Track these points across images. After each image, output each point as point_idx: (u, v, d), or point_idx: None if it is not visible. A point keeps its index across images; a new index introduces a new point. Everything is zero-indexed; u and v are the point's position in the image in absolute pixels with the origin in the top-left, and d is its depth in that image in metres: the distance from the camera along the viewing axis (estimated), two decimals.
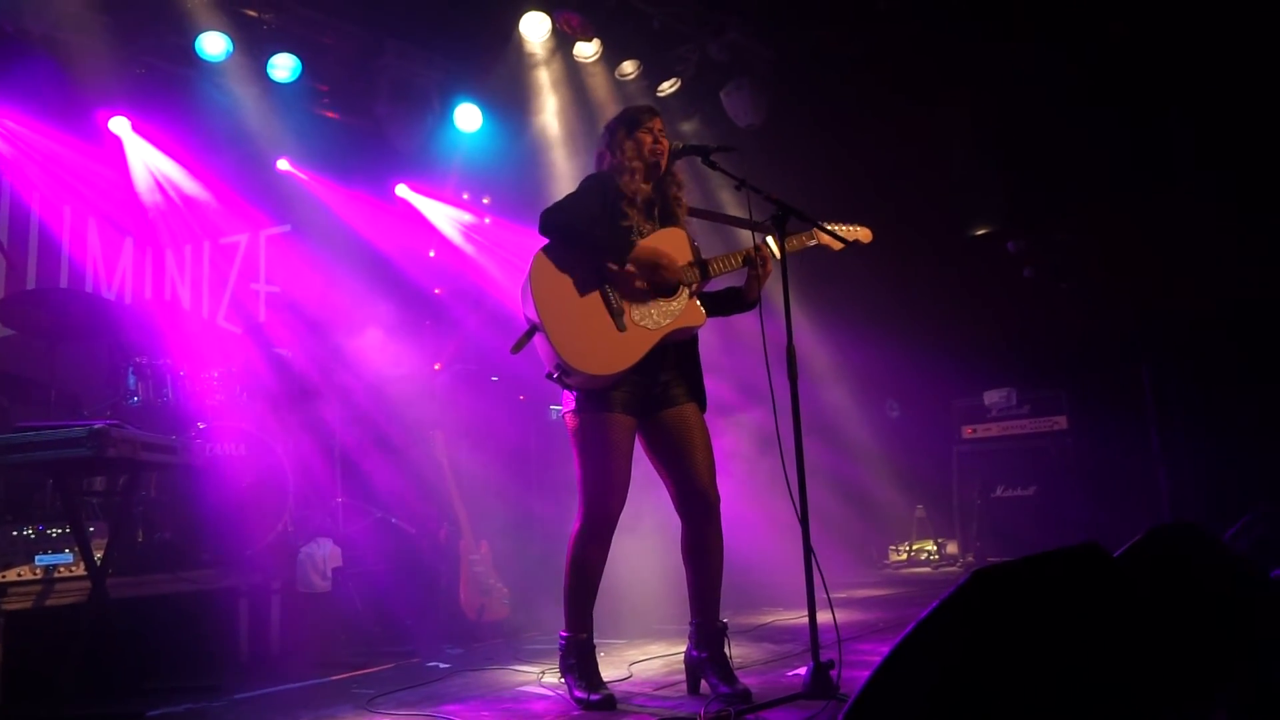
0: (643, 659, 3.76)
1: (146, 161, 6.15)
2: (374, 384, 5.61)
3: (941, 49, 6.71)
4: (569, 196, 3.12)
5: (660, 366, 3.07)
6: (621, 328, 2.98)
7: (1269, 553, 2.53)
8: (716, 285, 3.26)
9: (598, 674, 3.05)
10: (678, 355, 3.14)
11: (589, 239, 3.01)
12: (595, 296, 3.00)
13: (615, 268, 3.01)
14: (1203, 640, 1.63)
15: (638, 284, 3.02)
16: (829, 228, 3.28)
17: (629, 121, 3.20)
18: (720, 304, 3.24)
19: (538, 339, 2.99)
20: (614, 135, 3.20)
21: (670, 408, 3.09)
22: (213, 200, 6.37)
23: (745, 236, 3.20)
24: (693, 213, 3.32)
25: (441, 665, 3.95)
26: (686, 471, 3.06)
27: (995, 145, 7.04)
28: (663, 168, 3.20)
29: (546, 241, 3.05)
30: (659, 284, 3.04)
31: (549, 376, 3.02)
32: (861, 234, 3.39)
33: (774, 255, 3.11)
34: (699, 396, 3.16)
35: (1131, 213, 6.24)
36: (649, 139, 3.16)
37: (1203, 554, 1.82)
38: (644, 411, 3.07)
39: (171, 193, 6.24)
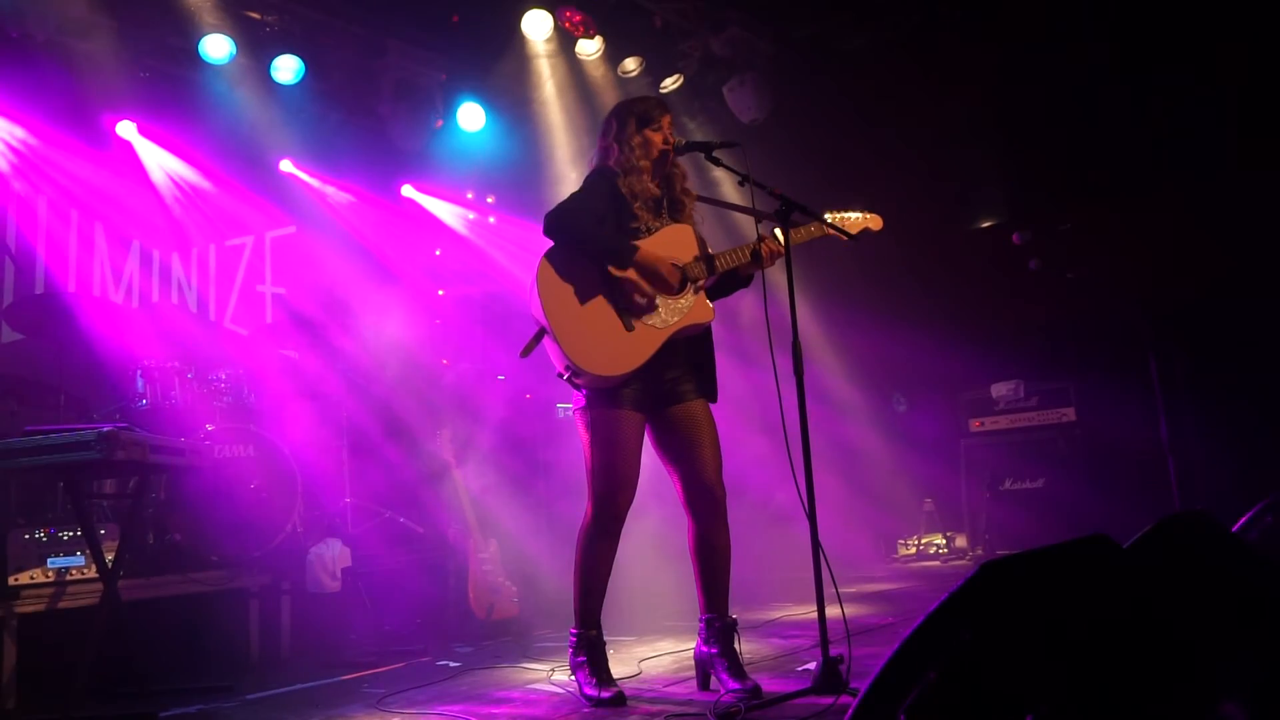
0: (652, 655, 3.77)
1: (152, 164, 6.17)
2: (381, 384, 5.62)
3: (944, 42, 6.69)
4: (574, 196, 3.10)
5: (669, 363, 3.06)
6: (629, 327, 2.98)
7: (1278, 542, 2.51)
8: None
9: (608, 671, 3.06)
10: (688, 350, 3.13)
11: (592, 245, 3.00)
12: (602, 297, 3.00)
13: (618, 274, 3.00)
14: (1214, 631, 1.62)
15: (637, 298, 3.01)
16: (837, 217, 3.27)
17: (640, 116, 3.14)
18: (719, 286, 3.23)
19: (546, 341, 2.99)
20: (623, 129, 3.14)
21: (678, 404, 3.08)
22: (218, 202, 6.39)
23: (751, 229, 3.20)
24: (700, 199, 3.30)
25: (451, 664, 3.96)
26: (694, 467, 3.05)
27: (1000, 137, 7.02)
28: (670, 164, 3.18)
29: (552, 243, 3.05)
30: (659, 290, 3.03)
31: (560, 377, 3.02)
32: (871, 221, 3.37)
33: (780, 248, 3.09)
34: (709, 391, 3.15)
35: (1137, 202, 6.21)
36: (659, 139, 3.13)
37: (1213, 544, 1.81)
38: (653, 407, 3.07)
39: (178, 195, 6.25)
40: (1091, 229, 6.35)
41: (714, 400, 3.17)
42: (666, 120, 3.16)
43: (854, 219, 3.33)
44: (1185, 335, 5.84)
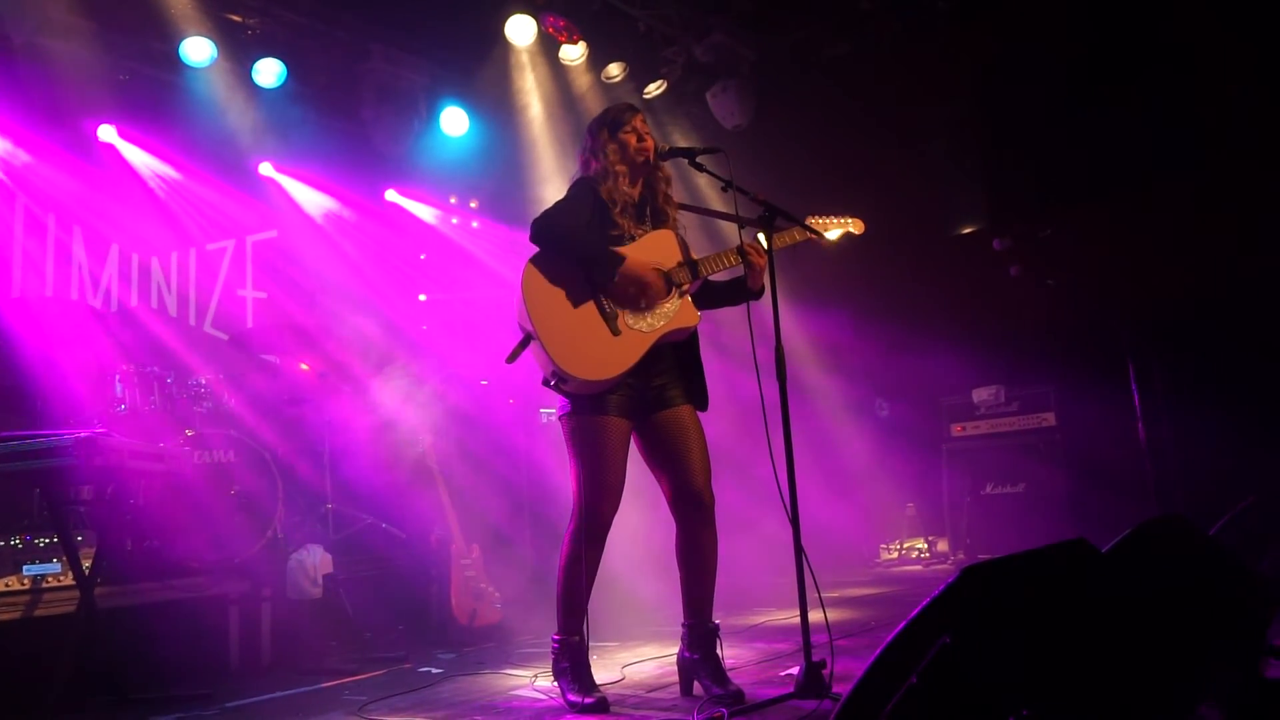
0: (635, 661, 3.76)
1: (133, 167, 6.12)
2: (363, 388, 5.59)
3: (926, 48, 6.74)
4: (558, 203, 3.12)
5: (656, 369, 3.07)
6: (615, 332, 2.98)
7: (1256, 546, 2.54)
8: (720, 278, 3.26)
9: (590, 677, 3.05)
10: (675, 355, 3.13)
11: (578, 252, 3.01)
12: (588, 302, 3.00)
13: (603, 282, 3.00)
14: (1191, 634, 1.64)
15: (630, 290, 3.02)
16: (818, 222, 3.29)
17: (611, 124, 3.17)
18: (727, 294, 3.24)
19: (533, 347, 2.99)
20: (596, 139, 3.18)
21: (665, 409, 3.08)
22: (199, 206, 6.34)
23: (735, 235, 3.21)
24: (682, 207, 3.32)
25: (434, 670, 3.94)
26: (681, 473, 3.05)
27: (981, 143, 7.07)
28: (650, 164, 3.18)
29: (537, 249, 3.05)
30: (644, 301, 3.04)
31: (545, 383, 3.02)
32: (854, 225, 3.40)
33: (764, 254, 3.10)
34: (696, 397, 3.15)
35: (1118, 209, 6.27)
36: (633, 140, 3.15)
37: (1191, 548, 1.83)
38: (639, 414, 3.07)
39: (158, 198, 6.20)
40: (1072, 235, 6.40)
41: (704, 409, 3.17)
42: (637, 120, 3.18)
43: (835, 223, 3.35)
44: (1163, 340, 5.90)
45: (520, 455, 5.82)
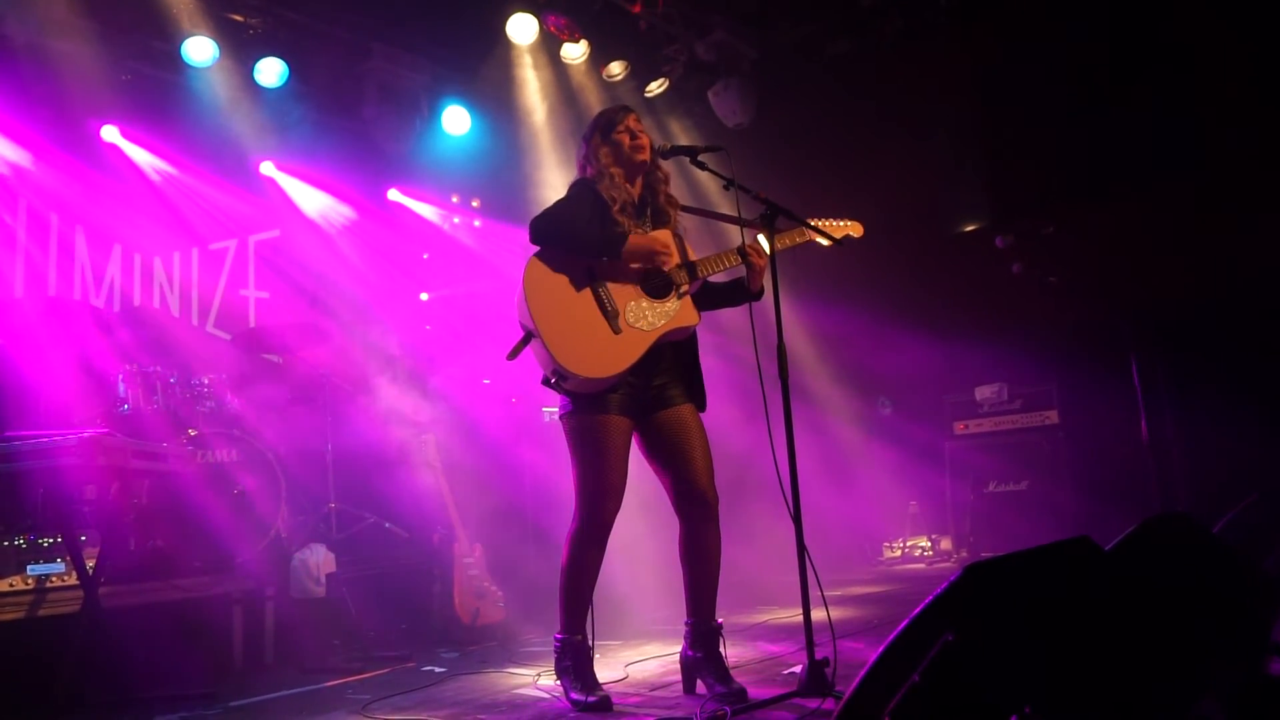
0: (638, 660, 3.76)
1: (136, 167, 6.13)
2: (365, 388, 5.60)
3: (928, 45, 6.74)
4: (558, 202, 3.13)
5: (657, 368, 3.07)
6: (616, 330, 2.98)
7: (1260, 543, 2.54)
8: (720, 279, 3.27)
9: (593, 675, 3.06)
10: (675, 356, 3.14)
11: (583, 237, 3.01)
12: (589, 300, 3.01)
13: (612, 258, 3.00)
14: (1195, 631, 1.64)
15: (633, 265, 3.01)
16: (818, 224, 3.29)
17: (604, 126, 3.19)
18: (726, 295, 3.25)
19: (534, 345, 2.99)
20: (590, 144, 3.20)
21: (667, 409, 3.09)
22: (201, 206, 6.35)
23: (736, 235, 3.21)
24: (683, 209, 3.32)
25: (437, 669, 3.95)
26: (684, 472, 3.06)
27: (983, 141, 7.06)
28: (646, 163, 3.19)
29: (538, 249, 3.05)
30: (657, 270, 3.04)
31: (545, 382, 3.02)
32: (853, 228, 3.40)
33: (765, 254, 3.11)
34: (697, 396, 3.16)
35: (1120, 205, 6.27)
36: (627, 139, 3.15)
37: (1194, 545, 1.83)
38: (640, 413, 3.07)
39: (160, 198, 6.21)
40: (1074, 232, 6.40)
41: (703, 409, 3.17)
42: (630, 119, 3.18)
43: (835, 225, 3.36)
44: (1166, 338, 5.89)
45: (522, 454, 5.82)
